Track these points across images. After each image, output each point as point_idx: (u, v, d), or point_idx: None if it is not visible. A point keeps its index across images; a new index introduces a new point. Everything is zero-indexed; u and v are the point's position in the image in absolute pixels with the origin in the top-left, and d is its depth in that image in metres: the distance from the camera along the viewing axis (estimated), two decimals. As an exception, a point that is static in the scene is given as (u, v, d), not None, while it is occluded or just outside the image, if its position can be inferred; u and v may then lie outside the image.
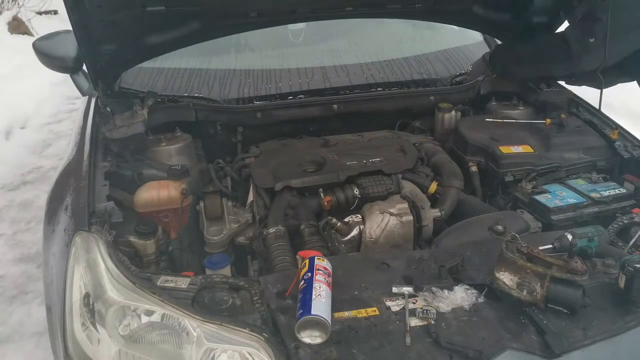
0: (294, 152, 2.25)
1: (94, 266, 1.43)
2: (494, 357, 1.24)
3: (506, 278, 1.37)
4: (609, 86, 2.31)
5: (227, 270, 1.88)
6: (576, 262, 1.34)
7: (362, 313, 1.36)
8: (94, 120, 2.16)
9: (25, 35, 7.78)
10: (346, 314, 1.35)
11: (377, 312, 1.36)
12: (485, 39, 3.08)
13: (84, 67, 2.53)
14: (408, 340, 1.28)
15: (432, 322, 1.32)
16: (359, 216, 1.91)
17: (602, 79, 2.25)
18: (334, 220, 1.87)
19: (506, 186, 2.16)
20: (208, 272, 1.83)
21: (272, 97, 2.51)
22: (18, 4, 8.29)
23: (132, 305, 1.34)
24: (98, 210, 1.65)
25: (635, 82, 2.31)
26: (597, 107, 2.44)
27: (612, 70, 2.24)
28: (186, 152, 2.22)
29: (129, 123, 2.06)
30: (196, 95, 2.49)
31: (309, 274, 1.37)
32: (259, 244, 1.94)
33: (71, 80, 2.75)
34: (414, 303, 1.38)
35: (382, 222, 1.88)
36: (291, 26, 2.82)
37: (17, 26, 7.95)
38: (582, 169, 2.17)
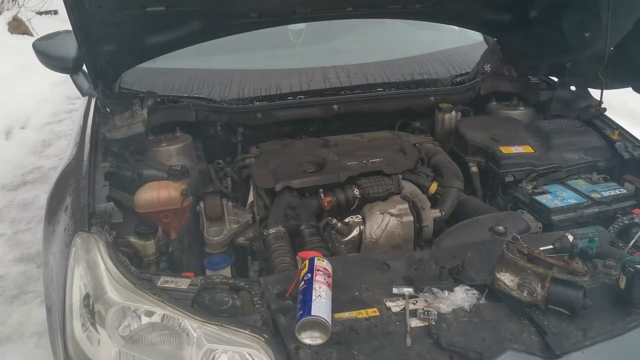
0: (294, 153, 2.25)
1: (94, 267, 1.43)
2: (494, 358, 1.24)
3: (507, 279, 1.37)
4: (607, 89, 2.31)
5: (227, 271, 1.87)
6: (577, 263, 1.34)
7: (363, 314, 1.36)
8: (94, 121, 2.16)
9: (25, 35, 7.80)
10: (346, 314, 1.35)
11: (378, 313, 1.36)
12: (485, 39, 3.08)
13: (84, 67, 2.53)
14: (408, 341, 1.28)
15: (433, 323, 1.32)
16: (359, 217, 1.91)
17: (603, 80, 2.25)
18: (334, 220, 1.86)
19: (506, 187, 2.16)
20: (208, 272, 1.82)
21: (272, 97, 2.51)
22: (18, 4, 8.31)
23: (132, 306, 1.34)
24: (98, 211, 1.65)
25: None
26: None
27: (610, 76, 2.25)
28: (186, 153, 2.22)
29: (129, 123, 2.06)
30: (196, 95, 2.49)
31: (309, 275, 1.36)
32: (259, 244, 1.93)
33: (71, 80, 2.75)
34: (414, 304, 1.38)
35: (383, 222, 1.88)
36: (291, 26, 2.81)
37: (17, 26, 7.97)
38: (582, 169, 2.17)
